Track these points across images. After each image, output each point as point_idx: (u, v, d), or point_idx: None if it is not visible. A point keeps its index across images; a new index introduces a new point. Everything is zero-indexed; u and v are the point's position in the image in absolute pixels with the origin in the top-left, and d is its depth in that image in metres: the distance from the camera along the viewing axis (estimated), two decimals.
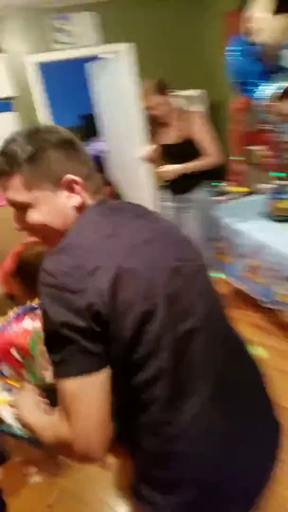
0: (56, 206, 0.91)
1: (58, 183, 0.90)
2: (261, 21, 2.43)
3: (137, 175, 4.81)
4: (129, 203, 1.05)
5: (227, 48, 2.78)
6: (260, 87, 2.57)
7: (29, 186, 0.89)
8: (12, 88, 4.13)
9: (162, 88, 2.64)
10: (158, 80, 2.67)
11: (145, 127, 4.02)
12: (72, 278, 0.79)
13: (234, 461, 0.88)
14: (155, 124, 2.82)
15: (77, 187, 0.92)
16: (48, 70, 4.47)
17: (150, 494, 0.87)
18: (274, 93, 2.47)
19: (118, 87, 4.62)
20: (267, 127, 2.91)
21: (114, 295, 0.78)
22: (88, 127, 7.09)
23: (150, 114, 2.76)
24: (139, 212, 1.00)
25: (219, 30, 4.06)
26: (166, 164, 2.81)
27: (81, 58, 4.45)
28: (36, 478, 1.28)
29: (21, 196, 0.90)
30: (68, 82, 6.40)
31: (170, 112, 2.70)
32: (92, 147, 6.54)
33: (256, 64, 2.57)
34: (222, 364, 0.91)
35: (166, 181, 2.93)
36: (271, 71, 2.57)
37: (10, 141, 0.91)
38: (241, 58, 2.60)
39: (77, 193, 0.92)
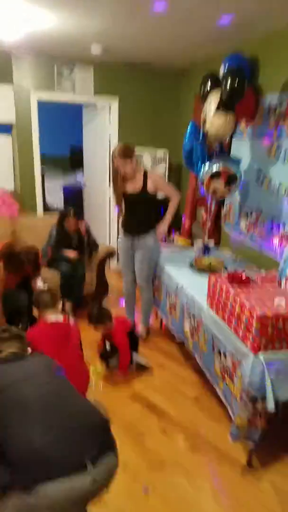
0: None
1: None
2: (208, 114, 3.04)
3: (105, 210, 5.39)
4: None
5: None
6: (202, 166, 3.16)
7: None
8: (14, 115, 4.69)
9: (127, 152, 3.11)
10: (124, 145, 3.17)
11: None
12: None
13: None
14: (118, 177, 3.23)
15: None
16: (48, 105, 5.04)
17: None
18: (209, 172, 3.06)
19: (100, 131, 5.22)
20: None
21: None
22: (75, 158, 7.73)
23: (114, 171, 3.22)
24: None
25: (191, 104, 4.64)
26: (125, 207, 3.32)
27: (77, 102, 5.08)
28: None
29: None
30: (65, 117, 6.99)
31: (132, 171, 3.17)
32: (74, 178, 7.19)
33: (202, 149, 3.16)
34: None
35: (123, 223, 3.45)
36: (212, 154, 3.17)
37: None
38: (191, 142, 3.18)
39: None
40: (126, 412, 2.65)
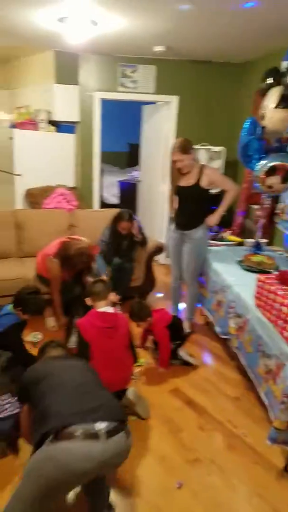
0: None
1: None
2: (268, 109, 2.95)
3: (156, 204, 5.44)
4: None
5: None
6: (259, 162, 3.07)
7: None
8: (78, 115, 4.88)
9: (185, 147, 3.13)
10: (184, 140, 3.18)
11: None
12: None
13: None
14: (175, 171, 3.27)
15: None
16: (109, 102, 5.16)
17: None
18: (266, 168, 2.96)
19: (159, 128, 5.26)
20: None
21: None
22: (132, 155, 7.87)
23: (173, 165, 3.26)
24: None
25: (250, 100, 4.53)
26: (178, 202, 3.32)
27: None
28: None
29: None
30: (125, 114, 7.14)
31: (189, 165, 3.19)
32: (130, 174, 7.31)
33: (259, 143, 3.07)
34: None
35: (174, 216, 3.45)
36: (269, 150, 3.07)
37: None
38: (249, 136, 3.11)
39: None
40: (165, 407, 2.65)
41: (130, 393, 2.47)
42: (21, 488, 1.52)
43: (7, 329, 2.60)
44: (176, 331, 3.08)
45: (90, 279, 3.28)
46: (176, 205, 3.35)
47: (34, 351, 3.11)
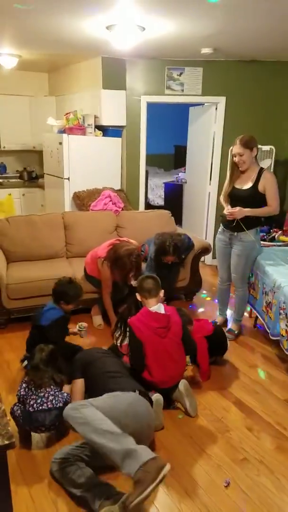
0: None
1: None
2: None
3: (203, 203, 5.42)
4: None
5: None
6: None
7: None
8: (125, 119, 4.98)
9: (248, 142, 3.09)
10: (248, 135, 3.14)
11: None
12: None
13: None
14: (235, 168, 3.24)
15: None
16: (156, 105, 5.22)
17: None
18: None
19: (206, 130, 5.24)
20: None
21: None
22: (178, 157, 7.89)
23: (232, 159, 3.21)
24: None
25: None
26: (230, 204, 3.27)
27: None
28: None
29: None
30: (171, 117, 7.19)
31: (249, 163, 3.14)
32: (176, 176, 7.35)
33: None
34: None
35: (226, 218, 3.32)
36: None
37: None
38: None
39: None
40: (212, 406, 2.64)
41: (182, 384, 2.48)
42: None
43: (51, 322, 2.72)
44: (217, 343, 2.97)
45: (134, 283, 3.36)
46: (228, 206, 3.29)
47: (79, 341, 3.25)
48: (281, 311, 2.79)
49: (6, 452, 1.27)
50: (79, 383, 2.42)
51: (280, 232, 4.52)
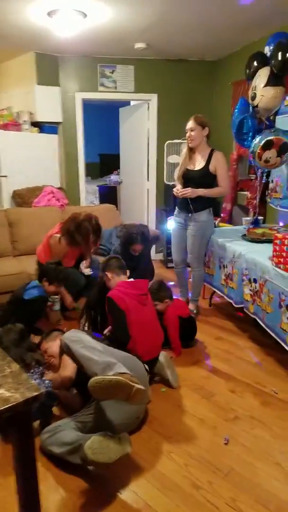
0: None
1: None
2: (258, 89, 3.09)
3: (142, 200, 5.52)
4: None
5: (235, 107, 3.43)
6: (253, 140, 3.19)
7: None
8: (60, 115, 4.87)
9: (201, 120, 3.18)
10: (203, 116, 3.23)
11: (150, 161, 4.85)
12: None
13: None
14: (188, 150, 3.30)
15: None
16: (89, 109, 5.20)
17: None
18: (262, 144, 3.08)
19: (138, 128, 5.35)
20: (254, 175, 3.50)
21: None
22: (104, 165, 8.04)
23: (187, 137, 3.25)
24: None
25: (226, 94, 4.74)
26: (181, 185, 3.32)
27: (116, 102, 5.24)
28: None
29: None
30: (94, 125, 7.28)
31: (199, 140, 3.21)
32: (108, 179, 7.44)
33: (252, 121, 3.20)
34: None
35: (179, 201, 3.39)
36: (262, 127, 3.20)
37: None
38: (242, 115, 3.24)
39: None
40: (192, 377, 2.63)
41: (162, 356, 2.45)
42: None
43: (34, 298, 2.65)
44: (191, 330, 3.02)
45: (85, 270, 3.37)
46: (179, 186, 3.36)
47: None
48: (244, 277, 2.90)
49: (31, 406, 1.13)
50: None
51: (219, 219, 4.72)
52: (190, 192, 3.22)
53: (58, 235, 3.23)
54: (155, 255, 5.22)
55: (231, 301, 3.16)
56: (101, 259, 3.70)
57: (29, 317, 2.71)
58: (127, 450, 1.67)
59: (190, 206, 3.28)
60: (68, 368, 2.09)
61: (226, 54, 4.73)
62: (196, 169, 3.28)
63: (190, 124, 3.20)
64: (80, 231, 3.18)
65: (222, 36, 4.05)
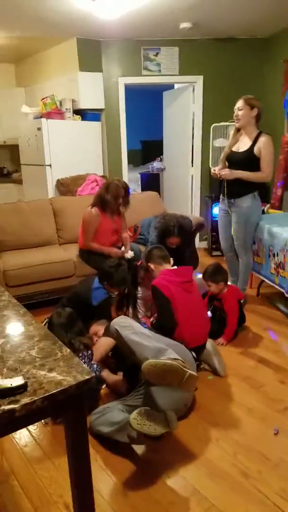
0: None
1: None
2: None
3: (186, 187, 5.46)
4: None
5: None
6: None
7: None
8: (102, 102, 4.91)
9: (250, 100, 3.10)
10: (253, 97, 3.14)
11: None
12: None
13: None
14: (235, 131, 3.26)
15: None
16: (130, 94, 5.17)
17: None
18: None
19: (183, 112, 5.27)
20: None
21: None
22: (146, 152, 8.10)
23: (234, 117, 3.19)
24: None
25: (278, 72, 4.55)
26: (225, 167, 3.25)
27: (161, 86, 5.19)
28: None
29: None
30: (137, 112, 7.23)
31: (245, 121, 3.13)
32: (151, 166, 7.41)
33: None
34: None
35: (222, 186, 3.32)
36: None
37: None
38: None
39: None
40: (239, 366, 2.61)
41: (209, 343, 2.45)
42: None
43: (101, 302, 2.67)
44: (240, 315, 3.03)
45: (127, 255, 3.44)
46: (217, 168, 3.31)
47: None
48: None
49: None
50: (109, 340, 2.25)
51: (268, 205, 4.58)
52: (228, 173, 3.16)
53: (90, 207, 3.40)
54: (199, 243, 5.17)
55: (283, 290, 3.08)
56: (141, 248, 3.74)
57: (92, 317, 2.66)
58: (173, 427, 1.69)
59: (225, 190, 3.23)
60: (100, 351, 2.27)
61: (279, 29, 4.52)
62: (240, 150, 3.20)
63: (239, 103, 3.13)
64: (109, 190, 3.34)
65: (274, 10, 3.87)
